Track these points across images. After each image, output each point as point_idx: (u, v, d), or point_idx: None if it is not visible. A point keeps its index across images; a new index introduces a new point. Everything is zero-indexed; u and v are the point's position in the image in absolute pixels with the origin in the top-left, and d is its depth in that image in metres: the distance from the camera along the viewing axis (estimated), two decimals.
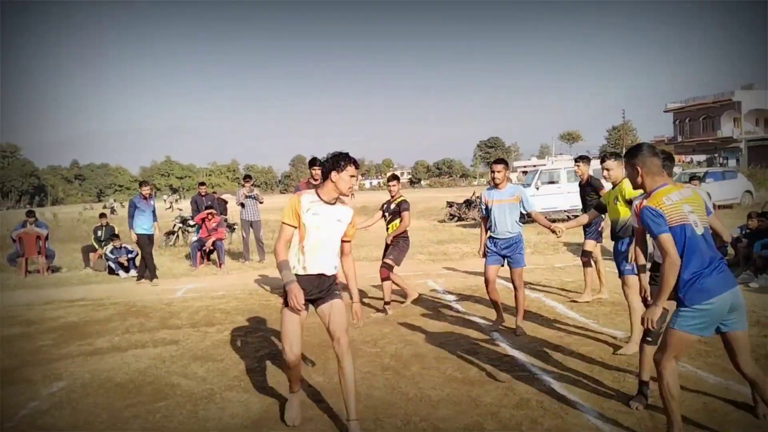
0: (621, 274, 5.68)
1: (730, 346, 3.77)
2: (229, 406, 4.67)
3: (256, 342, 6.46)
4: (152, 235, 10.93)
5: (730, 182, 22.35)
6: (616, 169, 5.75)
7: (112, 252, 12.15)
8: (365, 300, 8.34)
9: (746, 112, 59.00)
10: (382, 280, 7.62)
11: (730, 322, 3.66)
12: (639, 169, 3.78)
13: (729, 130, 59.66)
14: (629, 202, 5.43)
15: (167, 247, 16.57)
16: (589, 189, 7.72)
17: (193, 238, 13.89)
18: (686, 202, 3.64)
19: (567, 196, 19.43)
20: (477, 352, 5.73)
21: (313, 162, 8.45)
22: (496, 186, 6.48)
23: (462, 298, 8.26)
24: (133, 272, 12.04)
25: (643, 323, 3.72)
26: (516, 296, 6.38)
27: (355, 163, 4.21)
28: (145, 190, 10.94)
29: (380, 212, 7.92)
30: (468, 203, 23.51)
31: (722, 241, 4.33)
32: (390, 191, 7.81)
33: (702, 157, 56.71)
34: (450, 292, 8.71)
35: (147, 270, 10.85)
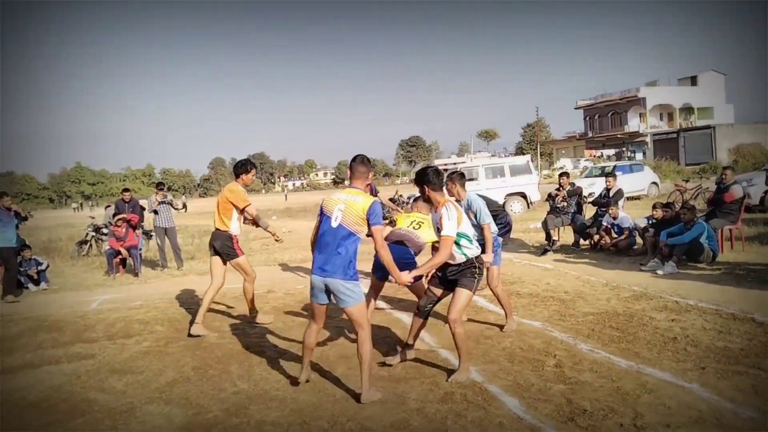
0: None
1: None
2: (150, 419, 4.54)
3: (177, 352, 6.30)
4: (16, 247, 10.54)
5: (637, 175, 23.51)
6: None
7: (21, 264, 11.54)
8: (292, 302, 8.28)
9: (651, 107, 62.19)
10: None
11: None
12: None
13: (635, 125, 62.70)
14: None
15: (79, 257, 15.91)
16: None
17: (106, 246, 13.38)
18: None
19: (485, 193, 19.87)
20: (402, 349, 5.78)
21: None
22: None
23: (387, 296, 8.32)
24: (44, 284, 11.49)
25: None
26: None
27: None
28: (6, 202, 10.42)
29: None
30: (391, 201, 23.66)
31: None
32: None
33: (611, 151, 59.34)
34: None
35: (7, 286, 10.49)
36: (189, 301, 8.96)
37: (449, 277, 5.02)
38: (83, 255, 16.23)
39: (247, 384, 5.14)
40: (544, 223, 11.89)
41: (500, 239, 6.71)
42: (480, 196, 6.42)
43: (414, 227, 6.01)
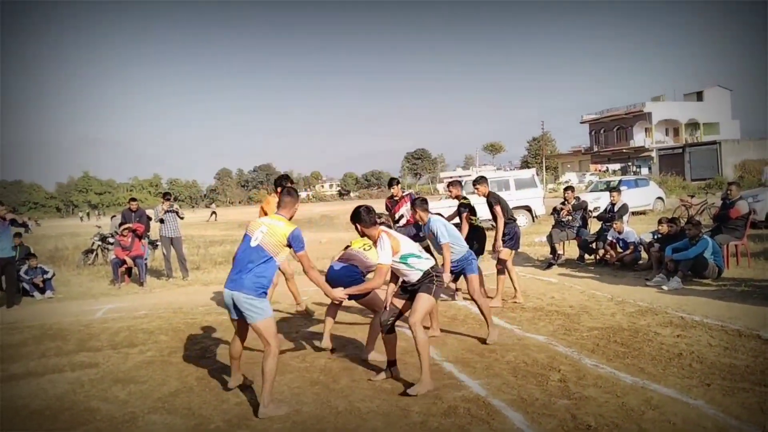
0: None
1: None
2: (152, 429, 4.53)
3: (180, 362, 6.30)
4: (13, 257, 10.53)
5: (642, 189, 23.43)
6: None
7: (26, 272, 11.57)
8: (290, 312, 8.28)
9: (656, 122, 62.26)
10: None
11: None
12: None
13: (641, 140, 62.78)
14: None
15: (85, 266, 15.95)
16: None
17: (112, 256, 13.42)
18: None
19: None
20: (405, 361, 5.76)
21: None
22: None
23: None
24: (49, 293, 11.52)
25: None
26: None
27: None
28: (1, 211, 10.44)
29: None
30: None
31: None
32: None
33: (617, 166, 59.32)
34: None
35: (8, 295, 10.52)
36: (193, 311, 8.97)
37: (409, 288, 5.23)
38: (89, 264, 16.27)
39: (249, 395, 5.13)
40: (549, 237, 11.87)
41: (471, 252, 7.11)
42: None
43: (365, 249, 6.37)
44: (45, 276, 11.66)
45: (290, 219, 5.05)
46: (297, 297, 7.90)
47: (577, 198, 12.37)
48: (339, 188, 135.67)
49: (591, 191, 24.63)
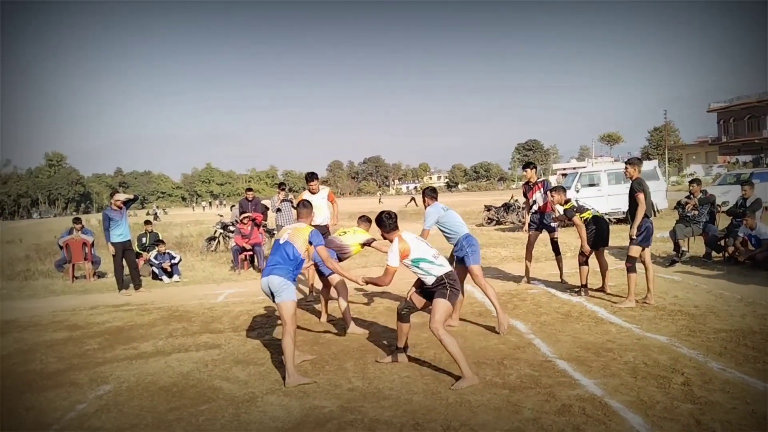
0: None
1: None
2: (270, 409, 4.72)
3: (296, 346, 6.50)
4: (129, 241, 11.08)
5: None
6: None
7: (156, 257, 12.39)
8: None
9: None
10: None
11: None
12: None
13: None
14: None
15: (208, 253, 16.84)
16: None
17: (232, 243, 14.08)
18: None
19: (607, 199, 19.14)
20: (516, 357, 5.68)
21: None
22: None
23: (501, 302, 8.18)
24: (176, 277, 12.27)
25: None
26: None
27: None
28: (117, 201, 10.99)
29: None
30: (506, 207, 23.28)
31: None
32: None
33: (748, 158, 55.25)
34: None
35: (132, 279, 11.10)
36: (308, 297, 9.24)
37: (426, 290, 5.56)
38: (212, 251, 17.17)
39: (361, 381, 5.23)
40: (673, 233, 11.27)
41: (476, 239, 7.16)
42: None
43: (340, 234, 7.31)
44: (172, 261, 12.42)
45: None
46: (325, 309, 7.86)
47: (704, 191, 11.66)
48: (447, 180, 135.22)
49: (719, 184, 23.09)
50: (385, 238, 5.73)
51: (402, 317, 5.67)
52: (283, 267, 5.53)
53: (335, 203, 9.56)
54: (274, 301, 5.58)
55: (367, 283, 5.87)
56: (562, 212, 8.60)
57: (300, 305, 8.65)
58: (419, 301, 5.66)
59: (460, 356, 5.12)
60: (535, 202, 9.35)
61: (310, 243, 5.71)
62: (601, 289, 8.53)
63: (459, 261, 7.11)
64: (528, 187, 9.55)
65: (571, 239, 12.66)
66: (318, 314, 7.95)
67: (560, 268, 9.52)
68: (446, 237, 7.21)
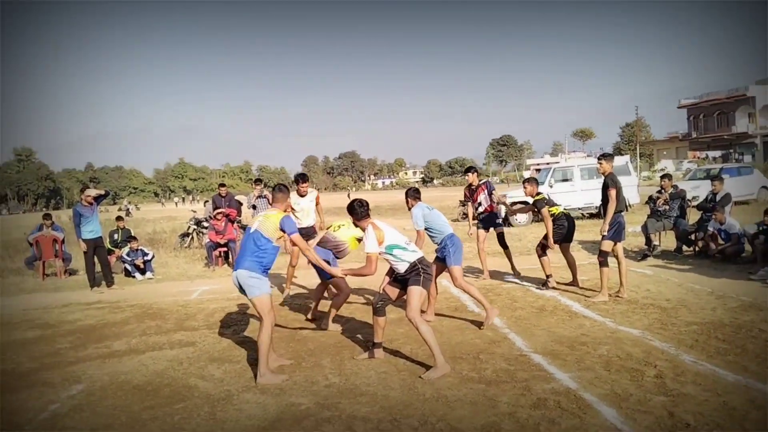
0: None
1: None
2: (246, 407, 4.69)
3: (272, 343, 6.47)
4: (100, 237, 10.95)
5: (746, 178, 22.13)
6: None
7: (128, 254, 12.23)
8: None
9: (761, 107, 58.40)
10: None
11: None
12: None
13: (744, 126, 59.11)
14: None
15: (182, 249, 16.67)
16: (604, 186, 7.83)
17: (206, 239, 13.96)
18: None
19: (581, 194, 19.35)
20: (492, 351, 5.72)
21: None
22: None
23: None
24: (149, 274, 12.13)
25: None
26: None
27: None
28: (88, 197, 10.83)
29: None
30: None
31: None
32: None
33: (717, 153, 56.21)
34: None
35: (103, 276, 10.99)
36: (282, 294, 9.20)
37: (399, 278, 5.59)
38: (185, 247, 17.01)
39: (338, 378, 5.22)
40: (644, 227, 11.43)
41: (459, 240, 7.17)
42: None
43: (334, 230, 6.82)
44: (145, 258, 12.26)
45: (285, 212, 5.73)
46: (289, 283, 9.16)
47: (675, 186, 11.83)
48: (423, 175, 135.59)
49: (689, 179, 23.46)
50: (356, 227, 5.73)
51: (377, 311, 5.66)
52: (251, 259, 5.35)
53: (320, 207, 9.42)
54: (246, 296, 5.45)
55: (347, 275, 5.86)
56: (531, 203, 8.77)
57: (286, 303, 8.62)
58: (393, 291, 5.68)
59: (434, 345, 5.17)
60: (480, 203, 9.64)
61: (283, 230, 5.47)
62: (573, 284, 8.63)
63: (440, 261, 7.10)
64: (471, 191, 9.83)
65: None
66: (303, 311, 7.92)
67: (510, 261, 9.76)
68: (430, 236, 7.21)
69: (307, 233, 8.71)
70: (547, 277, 8.60)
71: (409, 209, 7.30)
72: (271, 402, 4.76)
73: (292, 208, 8.59)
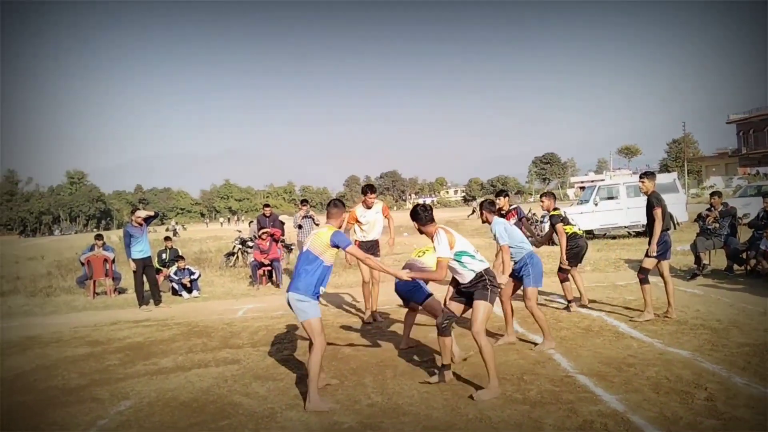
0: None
1: None
2: (289, 425, 4.72)
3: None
4: (149, 257, 11.12)
5: None
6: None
7: (175, 273, 12.49)
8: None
9: None
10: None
11: None
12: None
13: None
14: None
15: (227, 268, 16.92)
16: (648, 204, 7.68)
17: (251, 258, 14.16)
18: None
19: (627, 212, 19.00)
20: (536, 372, 5.63)
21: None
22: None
23: (521, 317, 8.13)
24: (195, 293, 12.34)
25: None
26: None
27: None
28: (137, 218, 11.05)
29: None
30: (527, 220, 23.13)
31: None
32: None
33: None
34: None
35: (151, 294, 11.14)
36: (325, 313, 9.23)
37: (463, 290, 5.36)
38: (230, 266, 17.27)
39: (380, 397, 5.21)
40: (693, 246, 11.15)
41: (539, 259, 6.85)
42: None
43: (419, 255, 6.64)
44: (192, 277, 12.51)
45: (340, 228, 5.56)
46: (367, 303, 8.64)
47: (725, 204, 11.54)
48: (464, 194, 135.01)
49: (739, 196, 22.81)
50: (421, 233, 5.46)
51: (443, 331, 5.39)
52: (303, 279, 5.16)
53: (391, 218, 8.98)
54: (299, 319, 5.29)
55: (416, 278, 5.62)
56: (548, 218, 8.65)
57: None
58: (458, 307, 5.41)
59: (493, 367, 5.01)
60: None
61: (336, 246, 5.22)
62: (582, 305, 8.53)
63: (516, 279, 6.83)
64: (501, 215, 8.94)
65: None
66: (346, 329, 7.94)
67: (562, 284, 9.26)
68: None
69: (370, 246, 8.51)
70: (569, 301, 8.47)
71: (484, 222, 6.85)
72: (314, 420, 4.78)
73: (358, 221, 8.52)
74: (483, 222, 6.92)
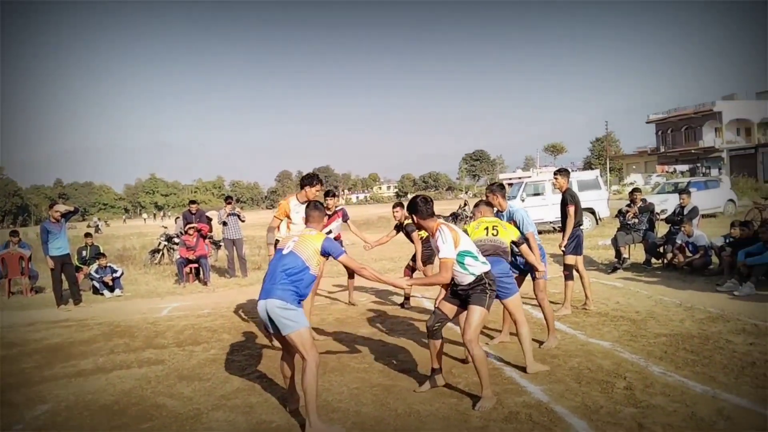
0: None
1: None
2: (215, 426, 4.61)
3: (242, 360, 6.41)
4: (68, 254, 10.78)
5: (713, 191, 22.57)
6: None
7: (96, 271, 12.02)
8: (355, 314, 8.30)
9: (727, 121, 59.79)
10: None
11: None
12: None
13: (711, 140, 60.42)
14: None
15: (152, 265, 16.44)
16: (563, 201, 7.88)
17: (177, 255, 13.81)
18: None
19: (552, 208, 19.52)
20: (463, 365, 5.71)
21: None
22: None
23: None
24: (118, 291, 11.93)
25: None
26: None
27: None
28: (55, 213, 10.63)
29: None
30: (455, 216, 23.56)
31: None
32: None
33: (685, 167, 57.29)
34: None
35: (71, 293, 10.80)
36: (254, 311, 9.05)
37: (459, 292, 4.93)
38: (155, 263, 16.78)
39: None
40: (614, 240, 11.57)
41: (545, 250, 6.78)
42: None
43: (493, 234, 5.76)
44: (114, 275, 12.08)
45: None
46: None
47: (644, 200, 12.02)
48: (396, 190, 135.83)
49: (658, 193, 23.92)
50: (419, 228, 5.08)
51: (433, 334, 5.02)
52: (285, 287, 4.43)
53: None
54: (270, 331, 4.59)
55: (416, 285, 5.28)
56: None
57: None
58: (450, 309, 5.01)
59: (486, 376, 4.66)
60: (330, 231, 8.14)
61: (326, 255, 4.68)
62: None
63: (521, 273, 6.64)
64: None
65: None
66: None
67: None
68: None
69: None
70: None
71: (495, 210, 6.40)
72: (241, 420, 4.69)
73: (289, 216, 7.12)
74: (495, 211, 6.40)
